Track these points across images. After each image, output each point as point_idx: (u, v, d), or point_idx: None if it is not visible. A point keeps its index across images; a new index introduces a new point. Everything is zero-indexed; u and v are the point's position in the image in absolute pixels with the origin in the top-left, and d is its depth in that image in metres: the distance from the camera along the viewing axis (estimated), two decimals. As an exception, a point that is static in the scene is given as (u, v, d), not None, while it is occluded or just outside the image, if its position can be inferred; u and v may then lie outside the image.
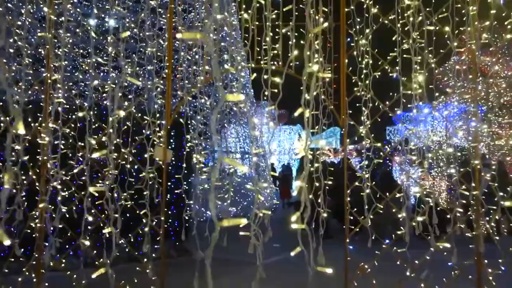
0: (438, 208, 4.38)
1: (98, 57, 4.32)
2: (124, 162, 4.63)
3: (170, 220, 7.16)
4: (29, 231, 4.66)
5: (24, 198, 4.68)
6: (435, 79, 4.53)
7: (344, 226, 4.51)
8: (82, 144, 4.56)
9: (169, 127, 4.66)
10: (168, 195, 4.63)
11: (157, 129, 4.71)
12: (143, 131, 4.69)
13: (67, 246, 5.61)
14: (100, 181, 4.60)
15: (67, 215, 4.73)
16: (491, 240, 4.17)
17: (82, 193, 4.65)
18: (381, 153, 4.85)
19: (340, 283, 4.55)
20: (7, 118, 3.18)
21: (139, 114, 4.62)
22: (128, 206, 4.74)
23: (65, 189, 4.75)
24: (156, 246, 5.90)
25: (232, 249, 4.91)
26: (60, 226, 4.61)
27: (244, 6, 4.33)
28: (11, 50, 4.86)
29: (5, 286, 4.89)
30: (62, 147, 4.42)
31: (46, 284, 4.82)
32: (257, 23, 4.03)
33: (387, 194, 4.66)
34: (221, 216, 4.28)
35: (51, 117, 4.59)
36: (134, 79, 2.73)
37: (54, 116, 4.46)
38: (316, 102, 4.49)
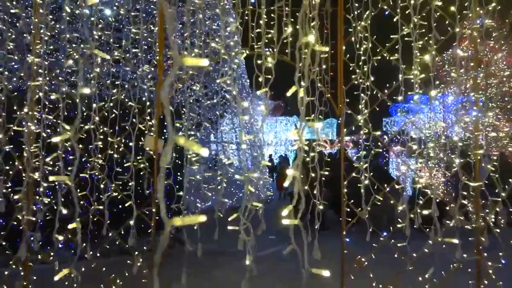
0: (437, 200, 4.26)
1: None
2: (112, 151, 4.48)
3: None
4: (15, 223, 4.51)
5: (10, 190, 4.54)
6: (435, 66, 4.37)
7: (340, 218, 4.38)
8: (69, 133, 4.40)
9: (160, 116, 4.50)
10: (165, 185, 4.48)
11: (148, 118, 4.56)
12: (134, 120, 4.54)
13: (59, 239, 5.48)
14: (88, 172, 4.44)
15: (55, 207, 4.58)
16: (491, 233, 4.06)
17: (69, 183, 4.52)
18: (379, 143, 4.69)
19: (337, 275, 4.45)
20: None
21: (129, 103, 4.44)
22: (119, 197, 4.60)
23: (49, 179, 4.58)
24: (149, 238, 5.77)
25: (226, 240, 4.79)
26: (48, 218, 4.48)
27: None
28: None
29: (-9, 280, 4.76)
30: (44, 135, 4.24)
31: (34, 277, 4.70)
32: (251, 7, 3.87)
33: (379, 185, 4.54)
34: (216, 208, 4.17)
35: (39, 106, 4.44)
36: (102, 52, 2.55)
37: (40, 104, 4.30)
38: (312, 89, 4.34)
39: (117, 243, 5.04)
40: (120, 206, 5.09)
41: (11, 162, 4.53)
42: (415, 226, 4.25)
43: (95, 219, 4.46)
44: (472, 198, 4.17)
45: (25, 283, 4.44)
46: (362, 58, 4.38)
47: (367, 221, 4.28)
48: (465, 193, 4.05)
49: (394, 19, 4.05)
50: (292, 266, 5.77)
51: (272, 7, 4.11)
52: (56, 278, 2.63)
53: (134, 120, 4.56)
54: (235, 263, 6.46)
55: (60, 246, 5.92)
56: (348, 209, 4.41)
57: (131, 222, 4.17)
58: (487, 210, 4.13)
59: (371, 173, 4.60)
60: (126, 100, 4.78)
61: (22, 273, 4.55)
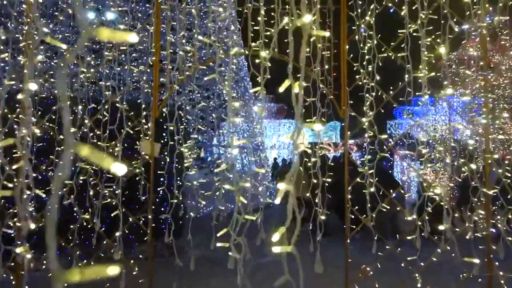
0: (446, 207, 4.05)
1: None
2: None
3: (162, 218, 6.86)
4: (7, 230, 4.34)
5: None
6: (443, 67, 4.16)
7: (344, 224, 4.19)
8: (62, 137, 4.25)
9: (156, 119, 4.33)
10: (161, 191, 4.32)
11: (143, 121, 4.40)
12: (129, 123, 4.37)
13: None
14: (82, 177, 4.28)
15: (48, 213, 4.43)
16: (504, 241, 3.86)
17: (64, 189, 4.37)
18: (384, 147, 4.50)
19: (341, 284, 4.26)
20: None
21: (124, 104, 4.27)
22: (113, 203, 4.43)
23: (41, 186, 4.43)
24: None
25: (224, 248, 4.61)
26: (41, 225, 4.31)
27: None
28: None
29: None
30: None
31: (26, 287, 4.52)
32: (250, 5, 3.71)
33: (386, 191, 4.34)
34: (214, 215, 3.99)
35: (33, 109, 4.29)
36: (58, 41, 2.39)
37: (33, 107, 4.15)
38: (314, 91, 4.15)
39: (111, 251, 4.87)
40: (112, 214, 4.92)
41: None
42: (422, 234, 4.05)
43: (88, 226, 4.30)
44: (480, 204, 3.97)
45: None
46: (367, 57, 4.18)
47: (372, 229, 4.07)
48: (475, 199, 3.85)
49: (402, 12, 3.84)
50: (293, 274, 5.58)
51: (272, 5, 3.94)
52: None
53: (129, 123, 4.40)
54: (233, 271, 6.28)
55: (58, 252, 5.77)
56: (353, 216, 4.21)
57: (117, 234, 3.98)
58: (499, 217, 3.93)
59: (376, 177, 4.40)
60: (120, 103, 4.61)
61: (13, 282, 4.39)
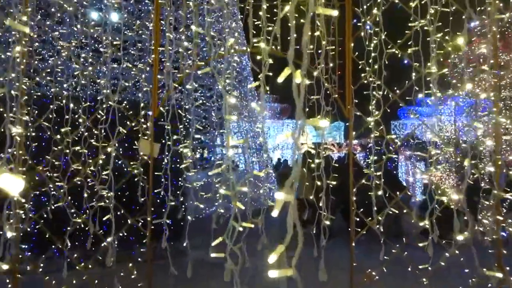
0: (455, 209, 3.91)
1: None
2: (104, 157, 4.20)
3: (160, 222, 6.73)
4: (0, 232, 4.24)
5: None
6: (450, 66, 4.02)
7: (348, 225, 4.05)
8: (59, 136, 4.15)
9: (155, 118, 4.21)
10: (162, 192, 4.21)
11: (142, 120, 4.29)
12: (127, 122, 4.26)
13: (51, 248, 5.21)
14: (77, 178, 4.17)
15: (45, 215, 4.32)
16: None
17: (61, 190, 4.26)
18: (391, 147, 4.35)
19: (345, 287, 4.13)
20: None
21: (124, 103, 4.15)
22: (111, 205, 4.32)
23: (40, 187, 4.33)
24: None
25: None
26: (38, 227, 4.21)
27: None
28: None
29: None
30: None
31: (23, 290, 4.42)
32: (251, 0, 3.58)
33: (391, 193, 4.20)
34: (214, 217, 3.86)
35: (29, 107, 4.19)
36: (21, 26, 2.27)
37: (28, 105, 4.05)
38: (318, 89, 4.02)
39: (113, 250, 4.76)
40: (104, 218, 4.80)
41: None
42: (430, 238, 3.91)
43: (86, 228, 4.19)
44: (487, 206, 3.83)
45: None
46: (373, 55, 4.04)
47: (379, 233, 3.92)
48: (486, 202, 3.71)
49: (412, 5, 3.69)
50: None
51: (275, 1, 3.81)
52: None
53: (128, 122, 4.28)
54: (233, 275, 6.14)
55: (57, 254, 5.68)
56: (358, 219, 4.08)
57: (109, 239, 3.85)
58: (510, 221, 3.78)
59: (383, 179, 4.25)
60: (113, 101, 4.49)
61: (9, 285, 4.28)
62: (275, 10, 4.00)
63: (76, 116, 4.30)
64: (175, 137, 4.10)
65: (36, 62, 3.94)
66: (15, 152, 4.03)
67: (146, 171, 4.26)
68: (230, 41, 1.69)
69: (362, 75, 4.08)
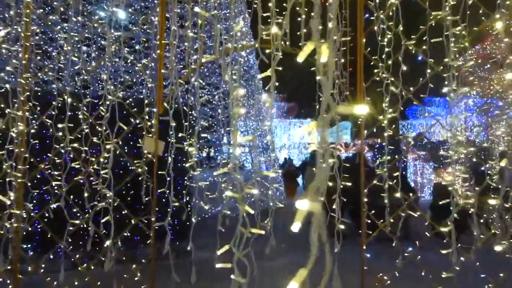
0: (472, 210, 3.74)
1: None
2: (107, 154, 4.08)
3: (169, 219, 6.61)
4: (1, 231, 4.14)
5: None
6: (466, 65, 3.84)
7: (357, 227, 3.90)
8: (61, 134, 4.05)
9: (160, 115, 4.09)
10: (167, 191, 4.08)
11: (146, 117, 4.16)
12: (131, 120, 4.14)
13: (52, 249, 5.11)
14: (79, 176, 4.06)
15: (46, 214, 4.22)
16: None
17: (63, 189, 4.16)
18: (404, 147, 4.19)
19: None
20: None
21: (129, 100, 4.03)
22: (115, 204, 4.20)
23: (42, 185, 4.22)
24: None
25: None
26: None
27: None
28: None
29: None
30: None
31: (24, 290, 4.32)
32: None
33: (401, 193, 4.05)
34: (220, 218, 3.72)
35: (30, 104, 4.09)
36: None
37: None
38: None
39: (112, 254, 4.64)
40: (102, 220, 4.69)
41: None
42: (444, 241, 3.75)
43: (88, 228, 4.07)
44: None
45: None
46: (386, 50, 3.87)
47: (392, 237, 3.77)
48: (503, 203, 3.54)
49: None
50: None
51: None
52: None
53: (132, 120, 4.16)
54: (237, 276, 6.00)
55: (60, 254, 5.57)
56: (369, 221, 3.93)
57: (108, 243, 3.73)
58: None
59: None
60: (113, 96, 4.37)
61: (10, 286, 4.19)
62: (284, 4, 3.86)
63: (78, 113, 4.19)
64: (180, 134, 3.98)
65: (38, 57, 3.82)
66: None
67: (151, 169, 4.14)
68: (239, 24, 1.54)
69: (375, 71, 3.92)
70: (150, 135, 4.09)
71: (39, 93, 5.80)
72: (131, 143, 6.73)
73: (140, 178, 4.21)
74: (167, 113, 3.93)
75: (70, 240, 4.17)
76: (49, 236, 4.29)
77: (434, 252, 3.76)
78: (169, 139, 3.93)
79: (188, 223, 6.89)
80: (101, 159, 3.89)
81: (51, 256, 4.48)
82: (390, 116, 3.76)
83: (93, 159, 4.11)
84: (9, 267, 4.12)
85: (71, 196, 4.18)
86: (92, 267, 4.31)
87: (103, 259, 4.19)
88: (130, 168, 6.26)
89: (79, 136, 4.23)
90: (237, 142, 1.37)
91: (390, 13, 3.80)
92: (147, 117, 4.19)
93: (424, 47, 3.65)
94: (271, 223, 3.21)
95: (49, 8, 8.53)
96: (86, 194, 3.88)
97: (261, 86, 15.69)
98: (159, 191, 4.01)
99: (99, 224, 4.06)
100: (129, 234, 4.50)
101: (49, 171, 4.21)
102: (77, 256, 4.57)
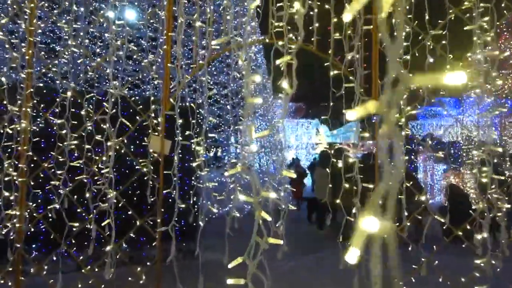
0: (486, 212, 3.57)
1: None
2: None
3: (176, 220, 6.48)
4: (3, 232, 4.03)
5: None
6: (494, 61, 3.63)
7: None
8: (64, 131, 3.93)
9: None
10: (174, 191, 3.95)
11: (152, 115, 4.03)
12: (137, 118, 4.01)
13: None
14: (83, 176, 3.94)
15: (50, 215, 4.10)
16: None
17: (67, 189, 4.04)
18: (421, 148, 4.03)
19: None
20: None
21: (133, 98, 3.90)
22: (120, 205, 4.08)
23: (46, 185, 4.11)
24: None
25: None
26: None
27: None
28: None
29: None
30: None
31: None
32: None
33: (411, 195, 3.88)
34: (229, 218, 3.58)
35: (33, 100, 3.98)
36: None
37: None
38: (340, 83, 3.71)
39: (117, 256, 4.52)
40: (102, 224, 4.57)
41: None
42: (463, 246, 3.59)
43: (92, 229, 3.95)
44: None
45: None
46: (404, 44, 3.70)
47: (410, 244, 3.60)
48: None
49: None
50: (312, 280, 5.13)
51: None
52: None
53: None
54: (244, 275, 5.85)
55: (65, 254, 5.47)
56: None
57: (108, 248, 3.59)
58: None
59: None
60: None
61: (12, 288, 4.08)
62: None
63: (82, 111, 4.07)
64: (187, 132, 3.84)
65: (43, 53, 3.71)
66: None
67: (157, 169, 4.01)
68: (256, 1, 1.38)
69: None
70: (156, 134, 3.96)
71: (44, 90, 5.71)
72: (137, 142, 6.61)
73: (146, 178, 4.07)
74: (174, 110, 3.80)
75: (73, 241, 4.05)
76: (52, 237, 4.17)
77: (452, 255, 3.60)
78: (176, 138, 3.79)
79: (194, 224, 6.76)
80: (104, 158, 3.76)
81: (54, 258, 4.35)
82: (408, 115, 3.59)
83: (97, 158, 3.99)
84: (10, 269, 4.01)
85: (75, 196, 4.05)
86: (96, 269, 4.18)
87: (107, 261, 4.07)
88: (135, 167, 6.14)
89: (83, 134, 4.11)
90: (253, 138, 1.20)
91: (407, 7, 3.63)
92: (153, 115, 4.06)
93: (443, 42, 3.48)
94: (283, 226, 3.06)
95: (56, 5, 8.47)
96: (87, 195, 3.75)
97: (268, 85, 15.49)
98: (165, 191, 3.88)
99: (105, 226, 3.94)
100: (134, 236, 4.37)
101: (53, 170, 4.09)
102: (81, 258, 4.45)
